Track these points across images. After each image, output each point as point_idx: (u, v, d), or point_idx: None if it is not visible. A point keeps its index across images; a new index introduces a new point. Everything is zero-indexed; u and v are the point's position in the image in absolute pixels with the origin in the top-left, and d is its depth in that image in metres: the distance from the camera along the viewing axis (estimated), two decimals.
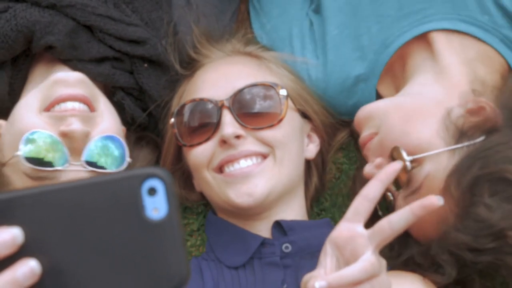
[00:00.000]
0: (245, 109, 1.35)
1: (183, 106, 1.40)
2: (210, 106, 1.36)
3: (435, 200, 0.97)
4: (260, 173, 1.32)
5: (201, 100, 1.37)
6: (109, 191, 0.65)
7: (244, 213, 1.35)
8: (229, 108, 1.34)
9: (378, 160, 1.26)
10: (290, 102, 1.39)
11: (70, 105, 1.24)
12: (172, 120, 1.41)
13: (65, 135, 1.20)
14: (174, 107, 1.43)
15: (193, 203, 1.52)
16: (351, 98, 1.46)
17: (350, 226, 1.02)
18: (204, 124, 1.36)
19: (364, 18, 1.43)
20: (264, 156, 1.34)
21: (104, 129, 1.26)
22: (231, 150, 1.33)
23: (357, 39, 1.44)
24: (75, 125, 1.20)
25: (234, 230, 1.37)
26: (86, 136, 1.21)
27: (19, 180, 1.21)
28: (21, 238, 0.64)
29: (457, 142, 1.19)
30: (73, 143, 1.20)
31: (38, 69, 1.39)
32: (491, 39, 1.35)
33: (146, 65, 1.40)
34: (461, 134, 1.20)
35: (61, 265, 0.64)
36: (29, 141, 1.20)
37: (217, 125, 1.34)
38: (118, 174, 0.67)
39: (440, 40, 1.35)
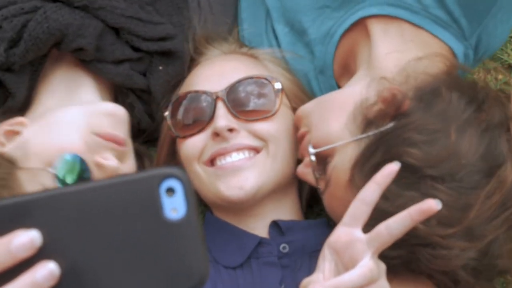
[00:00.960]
0: (239, 101, 1.35)
1: (178, 98, 1.40)
2: (204, 98, 1.36)
3: (433, 204, 0.95)
4: (252, 166, 1.32)
5: (196, 92, 1.38)
6: (126, 192, 0.64)
7: (235, 207, 1.34)
8: (223, 100, 1.34)
9: (307, 158, 1.26)
10: (285, 99, 1.40)
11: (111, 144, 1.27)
12: (167, 112, 1.41)
13: (99, 166, 1.22)
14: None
15: None
16: (319, 92, 1.45)
17: (348, 230, 1.01)
18: (198, 116, 1.36)
19: (306, 12, 1.42)
20: (257, 150, 1.34)
21: (131, 166, 1.31)
22: (223, 143, 1.32)
23: (305, 33, 1.43)
24: (112, 162, 1.23)
25: (231, 229, 1.36)
26: (116, 172, 1.23)
27: (31, 188, 1.18)
28: (39, 240, 0.62)
29: (363, 131, 1.15)
30: (101, 174, 1.22)
31: (55, 69, 1.37)
32: (422, 21, 1.25)
33: (161, 67, 1.40)
34: (368, 124, 1.15)
35: (80, 267, 0.63)
36: (66, 162, 1.19)
37: (210, 118, 1.34)
38: (136, 174, 0.66)
39: (377, 29, 1.29)
